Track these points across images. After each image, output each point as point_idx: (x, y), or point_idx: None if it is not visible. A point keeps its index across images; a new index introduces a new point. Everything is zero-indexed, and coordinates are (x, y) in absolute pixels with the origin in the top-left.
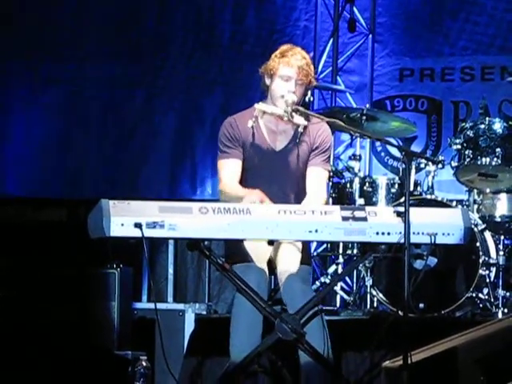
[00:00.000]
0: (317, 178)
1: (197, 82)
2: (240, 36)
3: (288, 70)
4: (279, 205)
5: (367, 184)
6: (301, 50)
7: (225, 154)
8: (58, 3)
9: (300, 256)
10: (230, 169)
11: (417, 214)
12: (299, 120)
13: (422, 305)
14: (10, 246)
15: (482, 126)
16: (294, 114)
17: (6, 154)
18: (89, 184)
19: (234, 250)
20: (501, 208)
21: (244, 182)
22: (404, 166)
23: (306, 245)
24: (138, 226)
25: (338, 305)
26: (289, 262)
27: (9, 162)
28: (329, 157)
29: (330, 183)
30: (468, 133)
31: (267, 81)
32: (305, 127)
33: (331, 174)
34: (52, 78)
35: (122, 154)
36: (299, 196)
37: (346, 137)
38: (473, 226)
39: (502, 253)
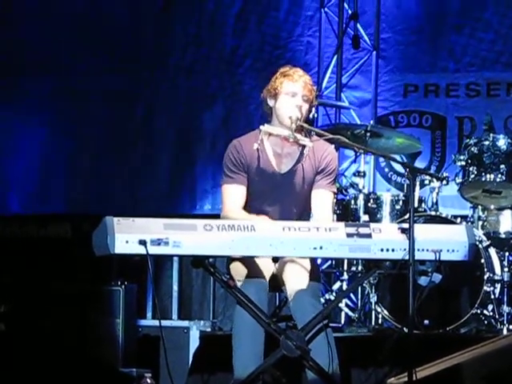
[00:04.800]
0: (322, 201)
1: (197, 95)
2: (241, 50)
3: (293, 86)
4: (284, 222)
5: (372, 200)
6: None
7: (229, 179)
8: (57, 17)
9: (309, 272)
10: (233, 195)
11: (421, 231)
12: (305, 141)
13: (426, 321)
14: (14, 262)
15: (487, 143)
16: (299, 135)
17: (8, 172)
18: (89, 199)
19: (235, 265)
20: (505, 224)
21: (248, 204)
22: (408, 182)
23: (313, 261)
24: (142, 243)
25: (342, 321)
26: (298, 280)
27: (11, 179)
28: (334, 179)
29: (335, 200)
30: (472, 149)
31: (270, 102)
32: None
33: (336, 193)
34: (52, 93)
35: (122, 169)
36: (304, 217)
37: (350, 153)
38: (477, 243)
39: (506, 269)
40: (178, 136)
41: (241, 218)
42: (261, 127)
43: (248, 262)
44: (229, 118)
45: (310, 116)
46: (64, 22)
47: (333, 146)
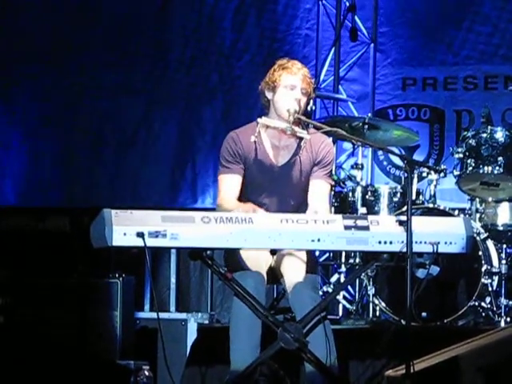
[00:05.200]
0: (319, 192)
1: (197, 90)
2: (240, 44)
3: (292, 79)
4: (282, 214)
5: (369, 193)
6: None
7: (226, 169)
8: (57, 12)
9: (307, 265)
10: (229, 185)
11: (419, 223)
12: (302, 134)
13: (424, 314)
14: (12, 255)
15: (484, 135)
16: (296, 127)
17: (6, 165)
18: (89, 193)
19: (232, 258)
20: (503, 217)
21: (246, 196)
22: (406, 174)
23: (311, 254)
24: (140, 235)
25: (340, 314)
26: (297, 272)
27: (10, 172)
28: (331, 170)
29: (332, 192)
30: (470, 141)
31: (269, 95)
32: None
33: (333, 185)
34: (51, 86)
35: (123, 163)
36: (301, 209)
37: (348, 146)
38: (475, 235)
39: (504, 261)
40: (179, 130)
41: (230, 208)
42: (258, 120)
43: (245, 254)
44: (229, 112)
45: (308, 109)
46: (63, 17)
47: (330, 138)
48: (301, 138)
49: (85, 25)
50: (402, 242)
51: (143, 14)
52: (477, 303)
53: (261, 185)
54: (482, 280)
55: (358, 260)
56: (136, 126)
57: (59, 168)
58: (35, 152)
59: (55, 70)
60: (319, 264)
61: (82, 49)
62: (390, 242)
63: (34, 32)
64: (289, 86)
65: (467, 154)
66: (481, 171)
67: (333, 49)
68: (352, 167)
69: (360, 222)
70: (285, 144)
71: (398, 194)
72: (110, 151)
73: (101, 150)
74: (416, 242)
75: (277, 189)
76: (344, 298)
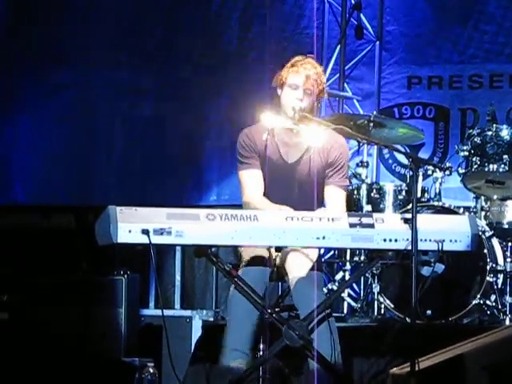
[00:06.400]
0: (333, 198)
1: (203, 87)
2: (247, 43)
3: (295, 79)
4: (287, 212)
5: (374, 191)
6: (313, 60)
7: (245, 165)
8: (65, 10)
9: (311, 262)
10: (252, 180)
11: (424, 221)
12: (312, 141)
13: (429, 312)
14: (17, 253)
15: (490, 133)
16: (304, 126)
17: (14, 162)
18: (96, 191)
19: (237, 254)
20: (508, 215)
21: None
22: (411, 172)
23: (316, 251)
24: (145, 232)
25: (345, 311)
26: (300, 270)
27: (17, 169)
28: (345, 172)
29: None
30: (475, 139)
31: (278, 91)
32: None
33: (348, 185)
34: (59, 85)
35: (130, 161)
36: (311, 207)
37: (353, 143)
38: (480, 233)
39: (509, 259)
40: (185, 128)
41: (263, 207)
42: (261, 115)
43: (247, 250)
44: (235, 111)
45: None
46: (70, 16)
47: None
48: (311, 136)
49: (92, 24)
50: (407, 239)
51: (151, 12)
52: (482, 301)
53: (272, 182)
54: (487, 278)
55: (362, 258)
56: (143, 124)
57: (66, 166)
58: (42, 150)
59: (62, 68)
60: (324, 262)
61: (90, 47)
62: (395, 240)
63: (42, 30)
64: (292, 85)
65: (472, 152)
66: (486, 169)
67: (338, 47)
68: (357, 165)
69: (365, 220)
70: (296, 141)
71: (403, 192)
72: (117, 149)
73: (108, 148)
74: (421, 240)
75: (287, 186)
76: (349, 295)
